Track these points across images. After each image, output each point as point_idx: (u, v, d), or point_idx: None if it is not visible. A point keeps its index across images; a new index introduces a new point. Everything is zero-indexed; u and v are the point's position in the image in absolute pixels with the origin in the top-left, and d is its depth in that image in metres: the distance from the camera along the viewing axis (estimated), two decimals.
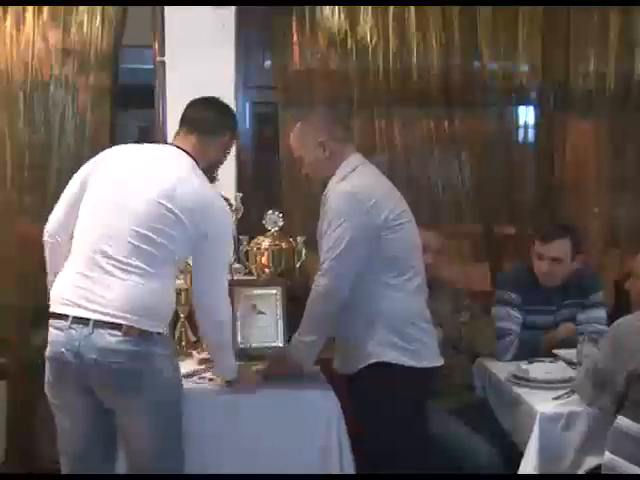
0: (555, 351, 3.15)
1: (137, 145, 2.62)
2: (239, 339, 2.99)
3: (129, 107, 4.11)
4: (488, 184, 3.98)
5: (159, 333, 2.40)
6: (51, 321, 2.41)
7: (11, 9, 3.59)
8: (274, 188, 3.89)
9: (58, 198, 2.57)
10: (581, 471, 2.65)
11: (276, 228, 3.18)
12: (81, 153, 3.60)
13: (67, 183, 2.60)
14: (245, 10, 3.67)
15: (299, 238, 3.20)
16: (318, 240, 2.77)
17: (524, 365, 3.00)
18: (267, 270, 3.16)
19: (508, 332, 3.27)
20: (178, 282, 2.95)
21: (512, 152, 4.04)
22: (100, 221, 2.43)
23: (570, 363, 3.01)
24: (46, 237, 2.56)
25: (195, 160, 2.54)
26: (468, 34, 3.86)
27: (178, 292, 2.96)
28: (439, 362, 2.75)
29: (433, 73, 3.84)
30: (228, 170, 3.41)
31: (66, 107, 3.67)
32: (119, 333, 2.33)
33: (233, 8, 3.63)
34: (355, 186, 2.67)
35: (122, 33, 3.68)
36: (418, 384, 2.67)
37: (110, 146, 2.68)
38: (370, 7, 3.76)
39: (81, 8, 3.62)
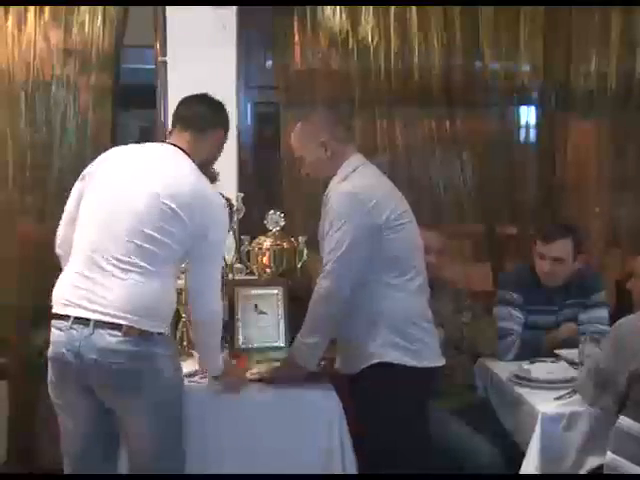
0: (557, 351, 3.15)
1: (135, 145, 2.62)
2: (240, 339, 2.99)
3: (130, 107, 4.11)
4: (490, 184, 3.98)
5: (160, 333, 2.40)
6: (53, 321, 2.42)
7: (13, 9, 3.60)
8: (275, 188, 3.89)
9: (59, 198, 2.58)
10: (583, 471, 2.64)
11: (277, 228, 3.18)
12: (82, 153, 3.60)
13: (69, 183, 2.60)
14: (246, 10, 3.67)
15: (300, 238, 3.21)
16: (320, 241, 2.76)
17: (526, 365, 3.00)
18: (268, 270, 3.16)
19: (510, 332, 3.27)
20: (179, 282, 2.95)
21: (514, 152, 4.04)
22: (100, 221, 2.43)
23: (572, 363, 3.01)
24: (57, 250, 2.58)
25: (190, 157, 2.54)
26: (469, 34, 3.86)
27: (179, 292, 2.96)
28: (440, 362, 2.74)
29: (434, 73, 3.84)
30: (229, 170, 3.42)
31: (67, 107, 3.67)
32: (119, 333, 2.33)
33: (234, 8, 3.63)
34: (356, 186, 2.67)
35: (123, 33, 3.69)
36: (420, 384, 2.67)
37: (111, 146, 2.70)
38: (371, 7, 3.76)
39: (83, 8, 3.62)
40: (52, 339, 2.41)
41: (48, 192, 3.64)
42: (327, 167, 2.76)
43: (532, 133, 4.10)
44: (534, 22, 3.89)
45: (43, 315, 2.48)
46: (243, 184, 3.68)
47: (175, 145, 2.56)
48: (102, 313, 2.33)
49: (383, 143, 3.86)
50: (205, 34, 3.55)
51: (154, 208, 2.39)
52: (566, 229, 3.33)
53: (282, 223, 3.18)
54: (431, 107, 3.92)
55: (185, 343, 3.06)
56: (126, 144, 2.66)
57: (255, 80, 3.87)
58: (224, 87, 3.43)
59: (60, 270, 2.51)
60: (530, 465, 2.66)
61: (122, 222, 2.39)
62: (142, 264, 2.36)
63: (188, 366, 2.80)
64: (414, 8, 3.78)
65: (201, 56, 3.49)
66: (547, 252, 3.27)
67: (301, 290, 3.15)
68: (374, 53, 3.79)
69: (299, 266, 3.20)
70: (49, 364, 2.44)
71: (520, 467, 2.70)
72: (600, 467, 2.54)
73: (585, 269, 3.37)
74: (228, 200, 3.12)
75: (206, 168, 2.64)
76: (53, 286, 2.47)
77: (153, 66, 3.71)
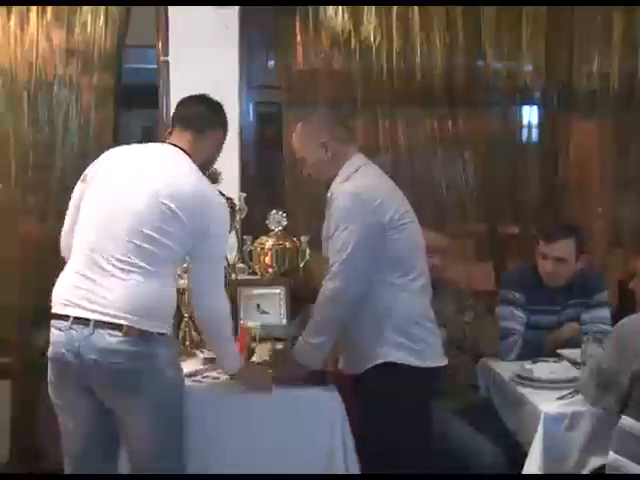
0: (559, 351, 3.15)
1: (135, 145, 2.62)
2: None
3: (133, 107, 4.12)
4: (492, 184, 3.98)
5: (160, 333, 2.40)
6: (53, 321, 2.42)
7: (15, 9, 3.60)
8: (277, 188, 3.89)
9: (62, 198, 2.58)
10: (585, 471, 2.64)
11: (280, 228, 3.18)
12: (85, 153, 3.60)
13: (71, 183, 2.60)
14: (248, 10, 3.67)
15: (303, 238, 3.21)
16: (323, 241, 2.76)
17: (528, 365, 3.00)
18: (271, 270, 3.16)
19: (512, 332, 3.26)
20: (181, 281, 2.95)
21: (516, 152, 4.03)
22: (100, 222, 2.43)
23: (574, 363, 3.00)
24: (62, 253, 2.57)
25: (190, 157, 2.54)
26: (472, 34, 3.85)
27: (181, 292, 2.96)
28: (443, 362, 2.74)
29: (437, 73, 3.84)
30: (231, 170, 3.43)
31: (70, 107, 3.67)
32: (119, 333, 2.33)
33: (236, 8, 3.63)
34: (358, 186, 2.66)
35: (126, 33, 3.69)
36: (423, 384, 2.67)
37: (114, 146, 2.69)
38: (374, 7, 3.76)
39: (85, 8, 3.62)
40: (51, 339, 2.41)
41: (50, 192, 3.64)
42: (328, 167, 2.76)
43: (534, 133, 4.10)
44: (536, 22, 3.88)
45: (45, 315, 2.48)
46: (245, 184, 3.68)
47: (175, 145, 2.55)
48: (102, 313, 2.33)
49: (385, 143, 3.86)
50: (207, 34, 3.55)
51: (154, 208, 2.39)
52: (569, 229, 3.33)
53: (284, 223, 3.18)
54: (433, 107, 3.92)
55: (188, 343, 3.06)
56: (128, 144, 2.66)
57: (257, 80, 3.87)
58: (226, 87, 3.44)
59: (62, 270, 2.52)
60: (533, 465, 2.66)
61: (122, 222, 2.39)
62: (142, 264, 2.36)
63: (190, 366, 2.81)
64: (416, 8, 3.78)
65: (203, 56, 3.49)
66: (549, 252, 3.26)
67: (303, 290, 3.15)
68: (376, 53, 3.79)
69: (301, 266, 3.19)
70: (49, 364, 2.44)
71: (522, 467, 2.70)
72: (602, 467, 2.54)
73: (588, 269, 3.37)
74: (230, 200, 3.12)
75: (206, 169, 2.64)
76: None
77: (155, 66, 3.71)
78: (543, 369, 2.95)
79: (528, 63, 3.93)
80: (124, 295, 2.35)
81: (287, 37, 3.82)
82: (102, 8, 3.63)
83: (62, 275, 2.46)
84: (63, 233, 2.58)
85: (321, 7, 3.77)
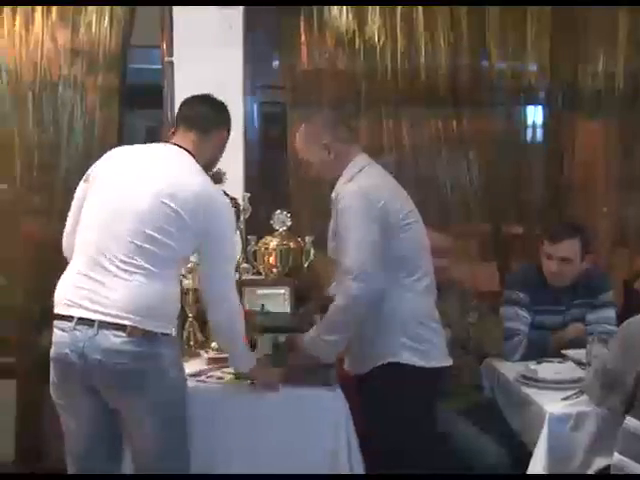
0: (564, 351, 3.14)
1: (138, 146, 2.62)
2: None
3: (137, 107, 4.12)
4: (496, 184, 3.97)
5: (164, 334, 2.39)
6: (55, 322, 2.41)
7: (20, 9, 3.60)
8: (282, 188, 3.89)
9: (67, 198, 2.58)
10: (590, 471, 2.63)
11: (284, 228, 3.18)
12: (89, 153, 3.61)
13: (76, 183, 2.60)
14: (253, 10, 3.67)
15: (307, 238, 3.21)
16: (329, 241, 2.76)
17: (533, 365, 2.99)
18: (275, 270, 3.16)
19: (516, 332, 3.26)
20: (185, 282, 2.96)
21: (520, 152, 4.03)
22: (102, 222, 2.42)
23: (579, 363, 3.00)
24: (64, 253, 2.57)
25: (194, 157, 2.54)
26: (476, 34, 3.86)
27: (185, 292, 2.97)
28: (448, 362, 2.74)
29: (441, 73, 3.84)
30: (236, 170, 3.42)
31: (74, 107, 3.68)
32: (123, 334, 2.32)
33: (241, 8, 3.63)
34: (362, 186, 2.66)
35: (130, 33, 3.70)
36: (428, 384, 2.67)
37: (118, 146, 2.69)
38: (378, 7, 3.76)
39: (90, 8, 3.63)
40: (54, 340, 2.40)
41: (55, 192, 3.65)
42: (332, 168, 2.76)
43: (539, 133, 4.10)
44: (541, 22, 3.88)
45: (51, 315, 2.48)
46: (249, 184, 3.68)
47: (179, 145, 2.55)
48: (104, 313, 2.33)
49: (390, 143, 3.86)
50: (211, 34, 3.55)
51: (157, 208, 2.38)
52: (574, 229, 3.32)
53: (289, 223, 3.19)
54: (438, 107, 3.92)
55: (192, 343, 3.05)
56: (133, 144, 2.65)
57: (262, 80, 3.88)
58: (230, 87, 3.44)
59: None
60: (537, 465, 2.66)
61: (125, 222, 2.39)
62: (146, 265, 2.36)
63: (194, 366, 2.81)
64: (420, 8, 3.78)
65: (207, 56, 3.49)
66: (554, 252, 3.26)
67: (308, 290, 3.15)
68: (381, 53, 3.79)
69: (306, 266, 3.20)
70: (51, 364, 2.43)
71: (527, 467, 2.70)
72: (608, 467, 2.53)
73: (592, 269, 3.36)
74: (234, 200, 3.12)
75: (209, 169, 2.64)
76: None
77: (160, 66, 3.71)
78: (548, 369, 2.95)
79: (533, 63, 3.93)
80: (127, 295, 2.34)
81: (291, 37, 3.83)
82: (107, 8, 3.64)
83: (64, 275, 2.46)
84: (65, 234, 2.57)
85: (325, 7, 3.77)
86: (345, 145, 2.77)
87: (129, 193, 2.42)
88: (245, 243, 3.27)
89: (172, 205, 2.38)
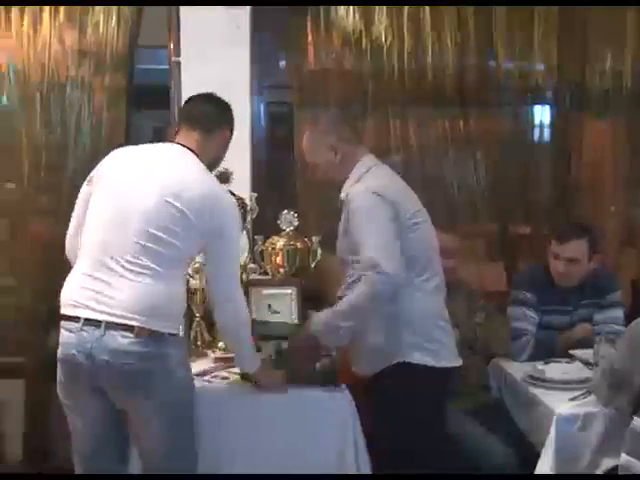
0: (571, 351, 3.13)
1: (142, 146, 2.62)
2: None
3: (144, 107, 4.13)
4: (503, 184, 3.97)
5: (171, 334, 2.40)
6: (62, 323, 2.42)
7: (28, 10, 3.61)
8: (289, 188, 3.89)
9: (75, 198, 2.58)
10: (599, 472, 2.63)
11: (291, 228, 3.18)
12: (97, 153, 3.60)
13: (83, 183, 2.60)
14: (260, 10, 3.67)
15: (314, 238, 3.21)
16: (339, 240, 2.75)
17: (540, 365, 2.99)
18: (282, 270, 3.17)
19: (524, 332, 3.25)
20: (192, 282, 2.97)
21: (528, 152, 4.02)
22: (107, 222, 2.42)
23: (587, 364, 2.99)
24: (67, 255, 2.57)
25: (198, 156, 2.53)
26: (483, 33, 3.85)
27: (193, 292, 2.97)
28: (458, 362, 2.74)
29: (448, 73, 3.84)
30: (243, 170, 3.42)
31: (82, 108, 3.68)
32: (131, 335, 2.33)
33: (248, 8, 3.63)
34: (372, 186, 2.66)
35: (137, 34, 3.70)
36: (437, 384, 2.67)
37: (126, 146, 2.69)
38: (385, 7, 3.76)
39: (97, 9, 3.63)
40: (61, 340, 2.41)
41: (64, 192, 3.65)
42: (338, 170, 2.76)
43: (546, 133, 4.09)
44: (548, 21, 3.87)
45: (59, 315, 2.49)
46: (256, 184, 3.68)
47: (183, 145, 2.55)
48: (109, 314, 2.33)
49: (397, 143, 3.86)
50: (218, 34, 3.55)
51: (162, 207, 2.38)
52: (581, 229, 3.31)
53: (296, 223, 3.19)
54: (445, 107, 3.91)
55: (199, 343, 3.06)
56: (140, 145, 2.66)
57: (268, 80, 3.89)
58: (237, 87, 3.44)
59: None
60: (545, 465, 2.65)
61: (130, 222, 2.38)
62: (151, 265, 2.36)
63: (201, 366, 2.81)
64: (427, 8, 3.78)
65: (214, 56, 3.49)
66: (562, 252, 3.25)
67: (314, 290, 3.15)
68: (387, 53, 3.79)
69: (313, 266, 3.20)
70: (58, 365, 2.44)
71: (534, 468, 2.69)
72: (615, 468, 2.52)
73: (600, 269, 3.35)
74: (241, 200, 3.13)
75: (213, 168, 2.64)
76: None
77: (167, 66, 3.72)
78: (555, 370, 2.95)
79: (540, 63, 3.92)
80: (133, 295, 2.34)
81: (298, 37, 3.83)
82: (114, 9, 3.64)
83: (70, 276, 2.46)
84: (68, 236, 2.57)
85: (332, 7, 3.77)
86: (351, 146, 2.77)
87: (134, 193, 2.42)
88: (252, 243, 3.28)
89: (177, 205, 2.38)
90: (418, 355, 2.64)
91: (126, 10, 3.65)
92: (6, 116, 3.73)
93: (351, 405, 2.62)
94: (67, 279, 2.46)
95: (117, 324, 2.33)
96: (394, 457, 2.61)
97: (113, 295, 2.35)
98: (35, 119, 3.68)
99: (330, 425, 2.61)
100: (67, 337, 2.39)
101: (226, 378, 2.74)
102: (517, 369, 3.12)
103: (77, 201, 2.55)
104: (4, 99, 3.70)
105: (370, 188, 2.64)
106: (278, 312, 3.07)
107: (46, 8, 3.62)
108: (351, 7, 3.76)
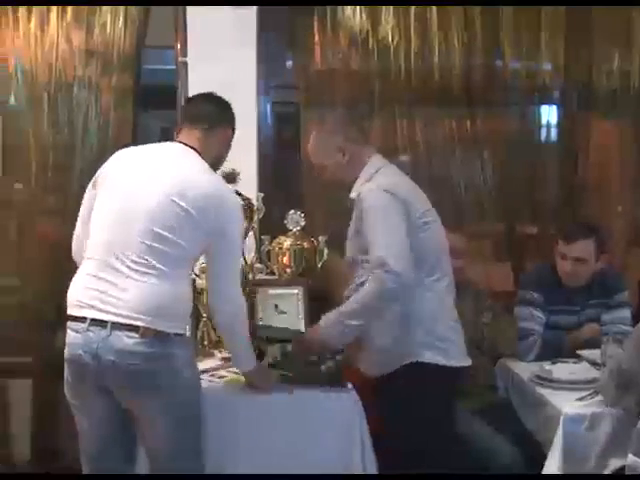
0: (579, 352, 3.13)
1: (145, 145, 2.62)
2: None
3: (151, 108, 4.13)
4: (510, 184, 3.96)
5: (177, 334, 2.40)
6: (69, 323, 2.42)
7: (35, 10, 3.62)
8: (295, 188, 3.89)
9: (81, 198, 2.58)
10: (606, 472, 2.63)
11: (298, 228, 3.18)
12: (104, 153, 3.60)
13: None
14: (266, 10, 3.67)
15: (321, 238, 3.21)
16: (349, 240, 2.75)
17: (547, 365, 2.98)
18: (288, 270, 3.17)
19: (531, 332, 3.25)
20: (199, 282, 2.97)
21: (535, 151, 4.02)
22: (112, 222, 2.42)
23: (594, 364, 2.99)
24: (74, 257, 2.58)
25: (201, 155, 2.53)
26: (490, 33, 3.85)
27: (199, 292, 2.97)
28: (467, 362, 2.74)
29: (455, 73, 3.84)
30: (249, 170, 3.42)
31: (89, 108, 3.70)
32: (136, 335, 2.33)
33: (254, 8, 3.63)
34: (384, 184, 2.65)
35: (144, 34, 3.71)
36: (447, 383, 2.68)
37: (133, 147, 2.70)
38: (392, 7, 3.76)
39: (104, 9, 3.64)
40: (68, 340, 2.41)
41: (71, 192, 3.66)
42: (346, 171, 2.76)
43: (553, 132, 4.09)
44: (555, 21, 3.86)
45: (66, 315, 2.49)
46: (263, 184, 3.68)
47: (185, 144, 2.55)
48: (115, 314, 2.33)
49: (404, 143, 3.86)
50: (225, 34, 3.55)
51: (166, 206, 2.38)
52: (588, 229, 3.30)
53: (302, 223, 3.19)
54: (451, 107, 3.91)
55: (206, 343, 3.06)
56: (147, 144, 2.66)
57: (275, 80, 3.88)
58: (244, 87, 3.44)
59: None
60: (552, 465, 2.65)
61: (135, 222, 2.38)
62: (157, 265, 2.35)
63: (206, 365, 2.81)
64: (434, 8, 3.78)
65: (221, 56, 3.49)
66: (569, 252, 3.24)
67: (321, 290, 3.15)
68: (394, 53, 3.79)
69: (319, 266, 3.20)
70: (65, 365, 2.44)
71: (541, 468, 2.69)
72: (623, 468, 2.52)
73: (607, 269, 3.35)
74: (248, 200, 3.13)
75: (216, 167, 2.63)
76: None
77: (174, 67, 3.72)
78: (562, 370, 2.94)
79: (547, 62, 3.92)
80: (139, 295, 2.34)
81: (305, 37, 3.83)
82: (121, 9, 3.65)
83: (76, 277, 2.46)
84: (74, 237, 2.57)
85: (339, 7, 3.77)
86: (359, 146, 2.77)
87: (138, 192, 2.42)
88: (259, 243, 3.28)
89: (182, 204, 2.38)
90: (429, 354, 2.63)
91: (133, 10, 3.67)
92: (14, 116, 3.75)
93: (357, 405, 2.62)
94: (73, 279, 2.46)
95: (123, 324, 2.33)
96: (404, 457, 2.60)
97: (119, 295, 2.35)
98: (42, 119, 3.69)
99: (336, 425, 2.61)
100: (73, 337, 2.39)
101: (224, 377, 2.74)
102: (524, 369, 3.11)
103: (82, 202, 2.56)
104: (12, 99, 3.71)
105: (382, 186, 2.64)
106: (285, 312, 3.07)
107: (53, 8, 3.63)
108: (358, 7, 3.75)
